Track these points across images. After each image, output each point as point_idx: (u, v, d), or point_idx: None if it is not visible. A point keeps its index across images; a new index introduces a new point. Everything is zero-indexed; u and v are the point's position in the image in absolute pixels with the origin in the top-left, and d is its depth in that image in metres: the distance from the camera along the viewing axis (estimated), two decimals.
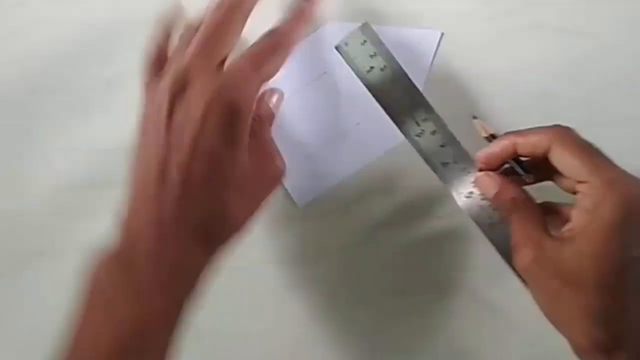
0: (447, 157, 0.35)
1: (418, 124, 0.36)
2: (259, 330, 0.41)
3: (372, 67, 0.36)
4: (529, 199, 0.32)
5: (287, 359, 0.42)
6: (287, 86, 0.39)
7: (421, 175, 0.36)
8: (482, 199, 0.34)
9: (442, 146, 0.35)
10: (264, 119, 0.37)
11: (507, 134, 0.33)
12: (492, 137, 0.34)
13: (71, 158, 0.41)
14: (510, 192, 0.32)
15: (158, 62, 0.35)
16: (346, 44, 0.36)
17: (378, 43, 0.36)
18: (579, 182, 0.30)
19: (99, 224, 0.42)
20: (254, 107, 0.32)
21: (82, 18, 0.41)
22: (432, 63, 0.40)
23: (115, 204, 0.41)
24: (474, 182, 0.34)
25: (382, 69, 0.36)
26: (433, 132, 0.35)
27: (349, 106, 0.40)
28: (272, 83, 0.34)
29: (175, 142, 0.31)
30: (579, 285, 0.29)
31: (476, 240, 0.40)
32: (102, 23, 0.41)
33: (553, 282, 0.29)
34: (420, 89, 0.36)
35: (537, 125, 0.40)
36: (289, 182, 0.40)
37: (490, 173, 0.33)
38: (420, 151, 0.35)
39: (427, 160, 0.35)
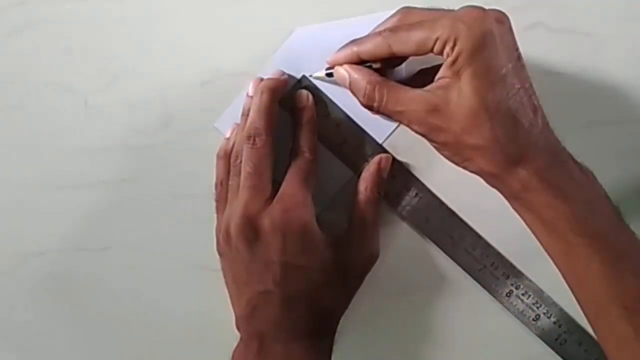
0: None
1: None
2: None
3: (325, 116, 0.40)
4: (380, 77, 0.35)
5: None
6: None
7: None
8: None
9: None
10: (377, 189, 0.39)
11: (349, 43, 0.36)
12: (327, 70, 0.37)
13: (71, 158, 0.41)
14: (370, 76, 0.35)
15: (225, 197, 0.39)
16: (285, 101, 0.39)
17: (320, 95, 0.39)
18: (432, 48, 0.32)
19: (99, 223, 0.42)
20: (314, 217, 0.36)
21: (82, 17, 0.41)
22: None
23: (114, 204, 0.41)
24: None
25: (337, 125, 0.40)
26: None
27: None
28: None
29: (268, 271, 0.35)
30: (476, 121, 0.32)
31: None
32: (102, 22, 0.41)
33: (452, 125, 0.32)
34: (402, 75, 0.38)
35: None
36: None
37: (345, 66, 0.36)
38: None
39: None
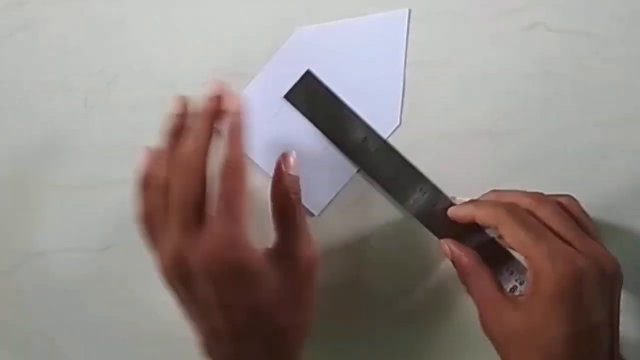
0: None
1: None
2: None
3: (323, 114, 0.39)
4: (481, 263, 0.36)
5: None
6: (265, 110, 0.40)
7: None
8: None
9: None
10: (292, 192, 0.36)
11: (471, 202, 0.37)
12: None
13: (71, 158, 0.41)
14: (466, 257, 0.36)
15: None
16: (294, 95, 0.39)
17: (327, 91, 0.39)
18: (524, 256, 0.33)
19: (99, 223, 0.42)
20: (246, 252, 0.33)
21: (82, 17, 0.41)
22: (406, 44, 0.40)
23: (114, 204, 0.41)
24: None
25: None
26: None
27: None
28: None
29: (210, 310, 0.33)
30: (522, 350, 0.32)
31: None
32: (102, 22, 0.41)
33: (504, 340, 0.33)
34: (401, 74, 0.38)
35: (538, 125, 0.40)
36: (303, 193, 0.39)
37: (450, 241, 0.37)
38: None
39: None
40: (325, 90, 0.39)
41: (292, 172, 0.36)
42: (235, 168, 0.33)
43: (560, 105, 0.40)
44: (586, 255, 0.32)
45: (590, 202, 0.40)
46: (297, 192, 0.36)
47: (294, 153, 0.37)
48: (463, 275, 0.36)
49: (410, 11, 0.40)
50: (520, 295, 0.34)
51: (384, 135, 0.40)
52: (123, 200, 0.41)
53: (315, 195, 0.40)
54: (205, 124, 0.34)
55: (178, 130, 0.36)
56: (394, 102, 0.40)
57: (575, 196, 0.40)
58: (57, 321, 0.43)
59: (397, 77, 0.39)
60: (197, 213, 0.33)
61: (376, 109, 0.40)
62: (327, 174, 0.40)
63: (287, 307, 0.34)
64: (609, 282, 0.33)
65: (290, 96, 0.39)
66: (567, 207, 0.35)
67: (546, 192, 0.40)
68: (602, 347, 0.32)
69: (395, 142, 0.40)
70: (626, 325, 0.41)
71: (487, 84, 0.40)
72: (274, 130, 0.40)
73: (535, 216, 0.34)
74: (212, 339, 0.34)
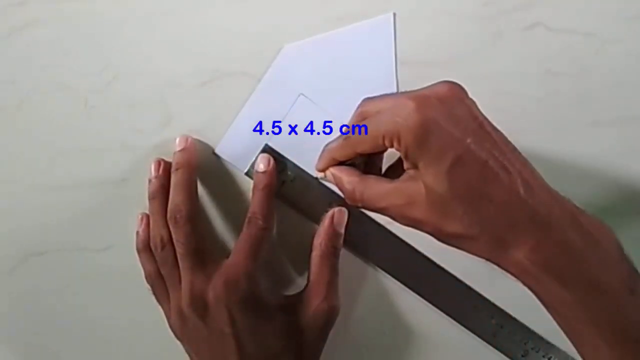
0: None
1: None
2: None
3: (283, 181, 0.39)
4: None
5: None
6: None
7: None
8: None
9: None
10: (333, 247, 0.38)
11: (323, 151, 0.36)
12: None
13: (71, 158, 0.41)
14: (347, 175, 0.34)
15: (162, 284, 0.39)
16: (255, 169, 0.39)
17: (281, 158, 0.39)
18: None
19: (99, 224, 0.42)
20: (259, 287, 0.37)
21: (82, 17, 0.41)
22: (395, 48, 0.40)
23: (114, 204, 0.41)
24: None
25: (292, 180, 0.39)
26: None
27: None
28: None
29: (223, 344, 0.36)
30: (448, 209, 0.29)
31: None
32: (102, 22, 0.41)
33: (430, 217, 0.30)
34: (394, 79, 0.39)
35: (538, 125, 0.40)
36: None
37: (330, 169, 0.36)
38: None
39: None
40: (286, 160, 0.40)
41: (339, 229, 0.39)
42: (262, 220, 0.37)
43: (560, 105, 0.40)
44: (428, 94, 0.31)
45: (590, 202, 0.40)
46: (339, 249, 0.39)
47: (346, 210, 0.39)
48: (355, 195, 0.34)
49: (395, 15, 0.40)
50: (407, 170, 0.31)
51: None
52: (123, 200, 0.41)
53: None
54: (185, 174, 0.38)
55: (160, 190, 0.39)
56: None
57: (575, 195, 0.40)
58: (57, 321, 0.43)
59: (389, 82, 0.40)
60: (202, 254, 0.37)
61: None
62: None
63: (299, 349, 0.36)
64: (460, 103, 0.31)
65: (250, 173, 0.40)
66: None
67: None
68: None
69: None
70: None
71: (487, 84, 0.40)
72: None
73: None
74: None
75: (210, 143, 0.40)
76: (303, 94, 0.40)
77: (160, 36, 0.41)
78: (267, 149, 0.39)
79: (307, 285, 0.38)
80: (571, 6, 0.40)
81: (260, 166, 0.39)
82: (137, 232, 0.40)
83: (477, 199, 0.29)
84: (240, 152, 0.40)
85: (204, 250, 0.37)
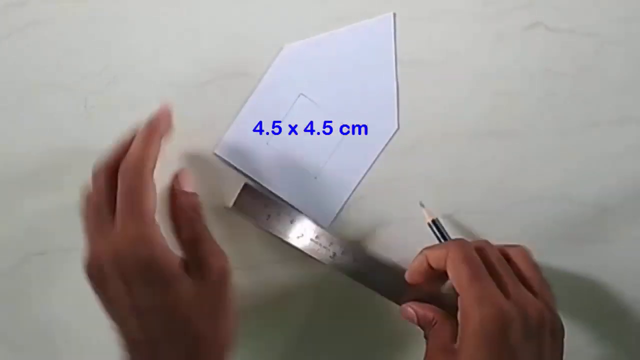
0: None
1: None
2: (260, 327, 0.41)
3: (269, 215, 0.39)
4: (443, 315, 0.36)
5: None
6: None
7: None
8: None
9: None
10: (190, 209, 0.37)
11: (422, 250, 0.37)
12: (433, 223, 0.38)
13: (71, 158, 0.41)
14: (430, 313, 0.37)
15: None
16: (239, 205, 0.39)
17: (262, 197, 0.40)
18: (458, 294, 0.33)
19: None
20: (157, 247, 0.33)
21: (82, 17, 0.41)
22: (395, 48, 0.40)
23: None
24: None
25: (277, 214, 0.40)
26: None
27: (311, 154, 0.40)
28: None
29: (124, 315, 0.33)
30: None
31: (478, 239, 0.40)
32: (102, 22, 0.41)
33: None
34: (393, 78, 0.39)
35: (538, 125, 0.40)
36: (310, 210, 0.40)
37: (412, 303, 0.38)
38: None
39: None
40: (266, 198, 0.40)
41: (187, 189, 0.37)
42: (135, 166, 0.34)
43: (560, 105, 0.40)
44: (514, 301, 0.32)
45: (591, 202, 0.40)
46: (196, 207, 0.37)
47: (185, 170, 0.38)
48: (428, 326, 0.37)
49: (395, 15, 0.40)
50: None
51: (385, 140, 0.40)
52: None
53: (322, 209, 0.40)
54: (151, 133, 0.36)
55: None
56: (390, 106, 0.40)
57: (575, 195, 0.40)
58: (56, 321, 0.43)
59: (389, 81, 0.40)
60: (108, 213, 0.34)
61: (373, 116, 0.40)
62: (329, 189, 0.40)
63: (204, 316, 0.34)
64: (535, 328, 0.32)
65: (235, 208, 0.39)
66: (512, 257, 0.36)
67: (545, 193, 0.40)
68: None
69: (396, 143, 0.40)
70: (629, 325, 0.41)
71: (487, 84, 0.40)
72: (271, 152, 0.40)
73: (482, 257, 0.34)
74: (129, 345, 0.34)
75: (210, 143, 0.40)
76: (303, 94, 0.40)
77: (160, 36, 0.41)
78: (247, 187, 0.39)
79: (188, 250, 0.36)
80: (571, 6, 0.40)
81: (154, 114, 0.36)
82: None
83: None
84: (241, 152, 0.40)
85: (150, 209, 0.34)
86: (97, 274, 0.33)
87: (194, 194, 0.37)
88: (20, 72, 0.41)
